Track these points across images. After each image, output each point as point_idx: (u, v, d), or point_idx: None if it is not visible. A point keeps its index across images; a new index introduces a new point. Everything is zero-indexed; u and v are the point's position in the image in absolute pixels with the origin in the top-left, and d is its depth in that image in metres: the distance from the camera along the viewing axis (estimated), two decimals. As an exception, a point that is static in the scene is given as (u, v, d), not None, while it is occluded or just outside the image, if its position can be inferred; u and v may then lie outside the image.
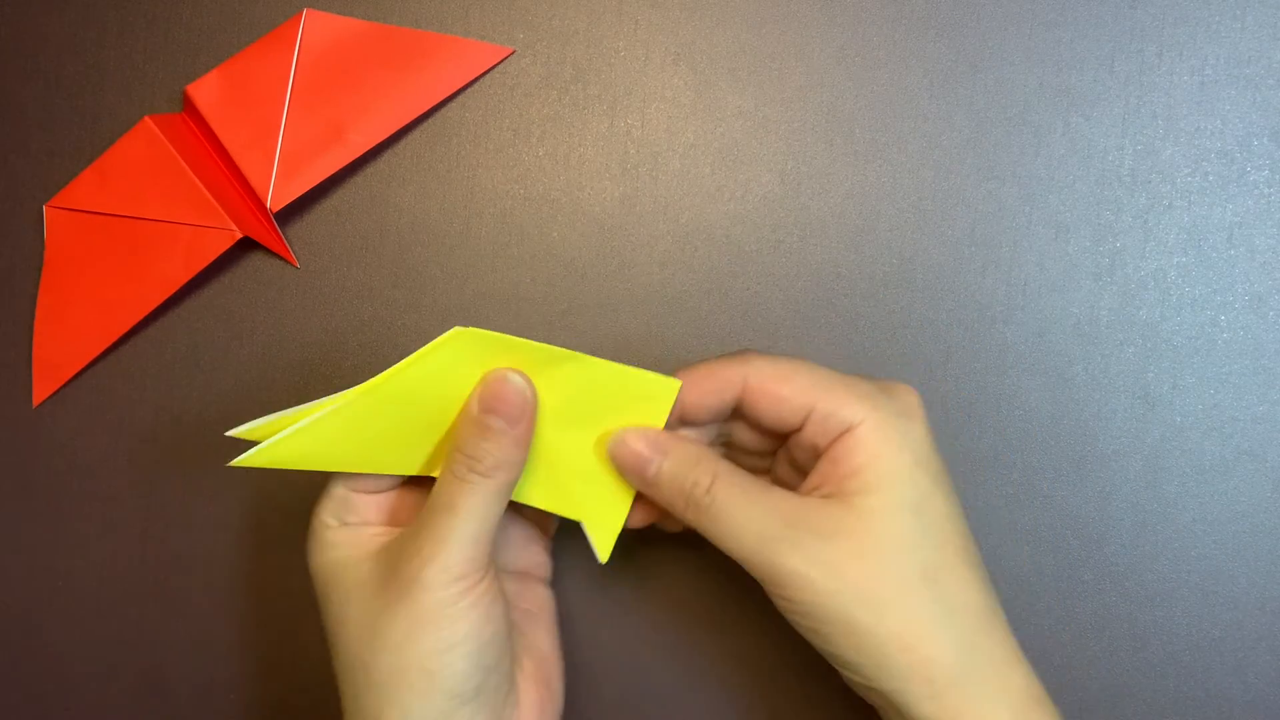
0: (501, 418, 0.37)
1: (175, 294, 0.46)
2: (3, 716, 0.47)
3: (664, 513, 0.40)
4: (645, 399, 0.39)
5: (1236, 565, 0.45)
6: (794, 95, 0.46)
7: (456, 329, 0.37)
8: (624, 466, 0.39)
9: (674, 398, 0.39)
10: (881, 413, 0.37)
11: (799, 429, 0.38)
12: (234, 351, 0.47)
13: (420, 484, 0.40)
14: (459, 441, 0.37)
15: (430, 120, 0.47)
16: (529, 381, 0.38)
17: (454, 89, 0.46)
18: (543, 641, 0.41)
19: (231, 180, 0.46)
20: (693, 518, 0.38)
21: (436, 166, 0.47)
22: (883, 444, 0.37)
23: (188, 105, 0.46)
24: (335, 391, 0.47)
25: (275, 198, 0.45)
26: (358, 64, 0.46)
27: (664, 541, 0.45)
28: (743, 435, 0.41)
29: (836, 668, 0.37)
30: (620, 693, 0.46)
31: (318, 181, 0.45)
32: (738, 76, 0.46)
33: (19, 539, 0.47)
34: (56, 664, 0.47)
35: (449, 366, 0.37)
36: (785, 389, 0.38)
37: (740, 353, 0.39)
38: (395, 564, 0.37)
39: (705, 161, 0.46)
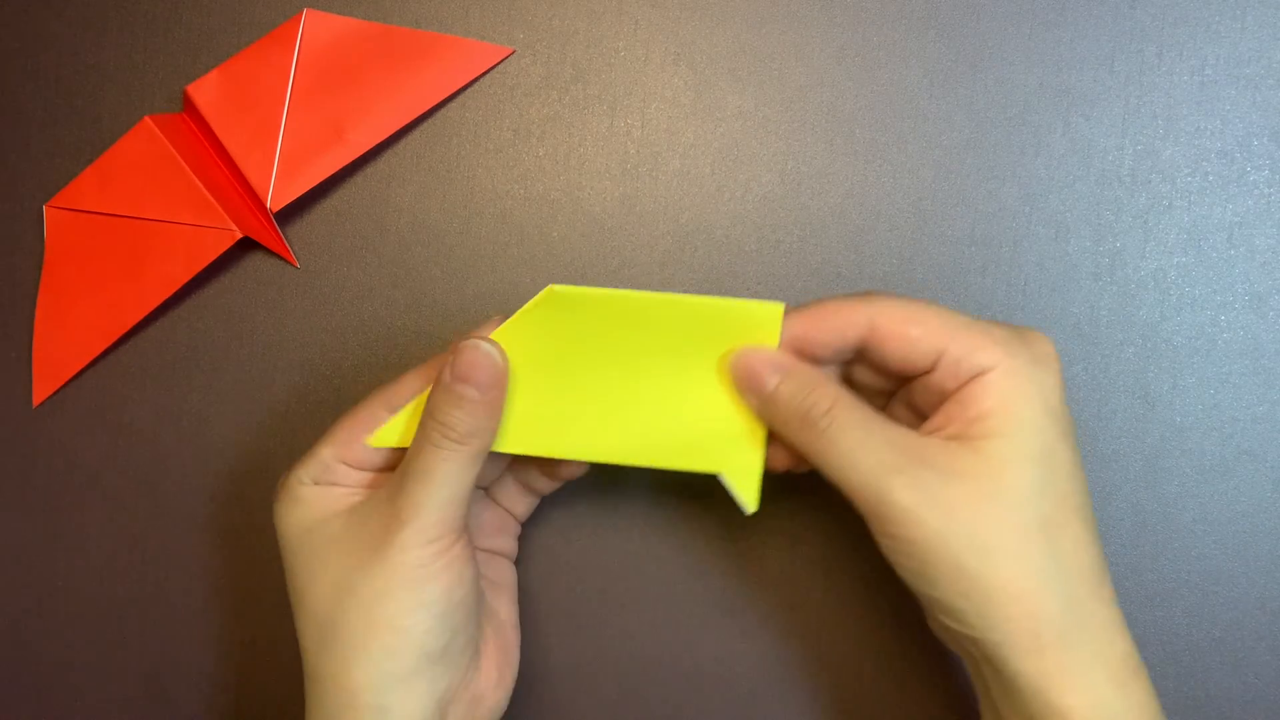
0: (473, 386, 0.37)
1: (175, 294, 0.46)
2: (3, 716, 0.47)
3: (799, 456, 0.39)
4: (751, 328, 0.38)
5: (1236, 565, 0.45)
6: (794, 95, 0.46)
7: (551, 287, 0.36)
8: (742, 383, 0.38)
9: (780, 321, 0.38)
10: (1016, 359, 0.36)
11: (927, 372, 0.37)
12: (234, 351, 0.47)
13: (398, 457, 0.40)
14: (432, 408, 0.37)
15: (430, 120, 0.47)
16: (500, 349, 0.38)
17: (454, 89, 0.46)
18: (504, 610, 0.43)
19: (231, 180, 0.46)
20: (807, 441, 0.37)
21: (436, 166, 0.47)
22: (1015, 391, 0.36)
23: (188, 105, 0.46)
24: (334, 390, 0.47)
25: (275, 198, 0.45)
26: (358, 64, 0.46)
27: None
28: (862, 376, 0.40)
29: (931, 613, 0.37)
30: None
31: (318, 181, 0.45)
32: (738, 76, 0.46)
33: (19, 539, 0.47)
34: (56, 664, 0.47)
35: (548, 327, 0.37)
36: (916, 330, 0.37)
37: (864, 293, 0.38)
38: (369, 525, 0.38)
39: (705, 161, 0.46)
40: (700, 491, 0.46)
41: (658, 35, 0.46)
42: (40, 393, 0.47)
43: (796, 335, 0.38)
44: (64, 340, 0.47)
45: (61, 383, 0.47)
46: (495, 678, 0.41)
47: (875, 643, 0.45)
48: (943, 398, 0.37)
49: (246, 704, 0.47)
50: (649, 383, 0.39)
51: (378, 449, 0.39)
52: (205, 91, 0.45)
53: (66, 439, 0.47)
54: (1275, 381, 0.45)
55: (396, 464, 0.40)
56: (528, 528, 0.45)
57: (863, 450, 0.36)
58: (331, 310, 0.47)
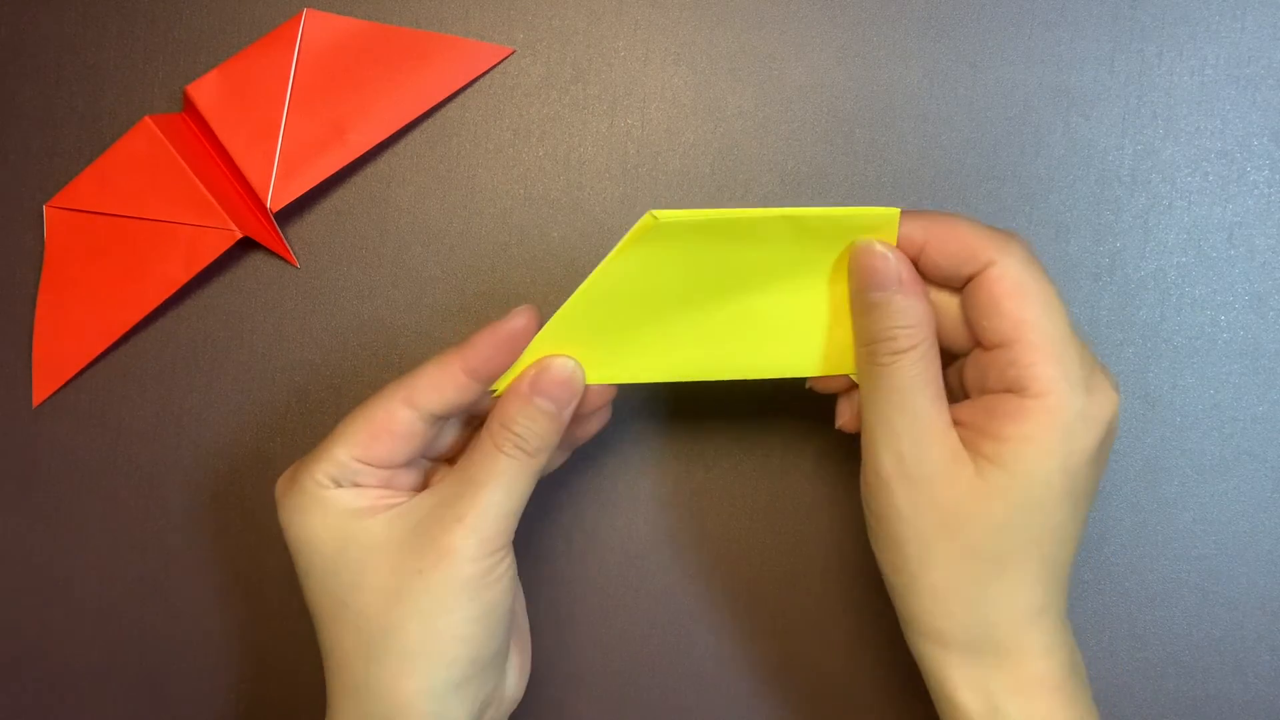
0: (553, 402, 0.38)
1: (175, 294, 0.46)
2: (3, 716, 0.47)
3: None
4: (868, 234, 0.37)
5: (1236, 565, 0.45)
6: (794, 95, 0.46)
7: (652, 213, 0.35)
8: (860, 272, 0.37)
9: (896, 226, 0.37)
10: (1066, 412, 0.35)
11: (987, 349, 0.36)
12: (234, 351, 0.47)
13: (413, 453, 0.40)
14: (506, 418, 0.37)
15: (430, 120, 0.47)
16: (579, 365, 0.38)
17: (454, 89, 0.46)
18: (518, 603, 0.42)
19: (231, 180, 0.46)
20: (863, 356, 0.37)
21: (436, 166, 0.47)
22: (1040, 439, 0.35)
23: (188, 105, 0.46)
24: (334, 390, 0.47)
25: (275, 198, 0.45)
26: (358, 64, 0.46)
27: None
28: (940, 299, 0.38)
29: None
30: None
31: (318, 181, 0.45)
32: (738, 76, 0.46)
33: (19, 539, 0.47)
34: (56, 664, 0.47)
35: (647, 254, 0.36)
36: (1012, 305, 0.35)
37: (1003, 235, 0.36)
38: (425, 531, 0.37)
39: (705, 161, 0.46)
40: (701, 491, 0.46)
41: (658, 35, 0.46)
42: (40, 393, 0.47)
43: (915, 242, 0.36)
44: (64, 340, 0.47)
45: (61, 383, 0.47)
46: (518, 672, 0.41)
47: (876, 643, 0.45)
48: (983, 387, 0.37)
49: (247, 704, 0.47)
50: (749, 298, 0.38)
51: (404, 444, 0.38)
52: (205, 91, 0.45)
53: (66, 439, 0.47)
54: (1275, 381, 0.45)
55: (416, 460, 0.39)
56: (528, 528, 0.45)
57: (890, 405, 0.36)
58: (331, 310, 0.47)
